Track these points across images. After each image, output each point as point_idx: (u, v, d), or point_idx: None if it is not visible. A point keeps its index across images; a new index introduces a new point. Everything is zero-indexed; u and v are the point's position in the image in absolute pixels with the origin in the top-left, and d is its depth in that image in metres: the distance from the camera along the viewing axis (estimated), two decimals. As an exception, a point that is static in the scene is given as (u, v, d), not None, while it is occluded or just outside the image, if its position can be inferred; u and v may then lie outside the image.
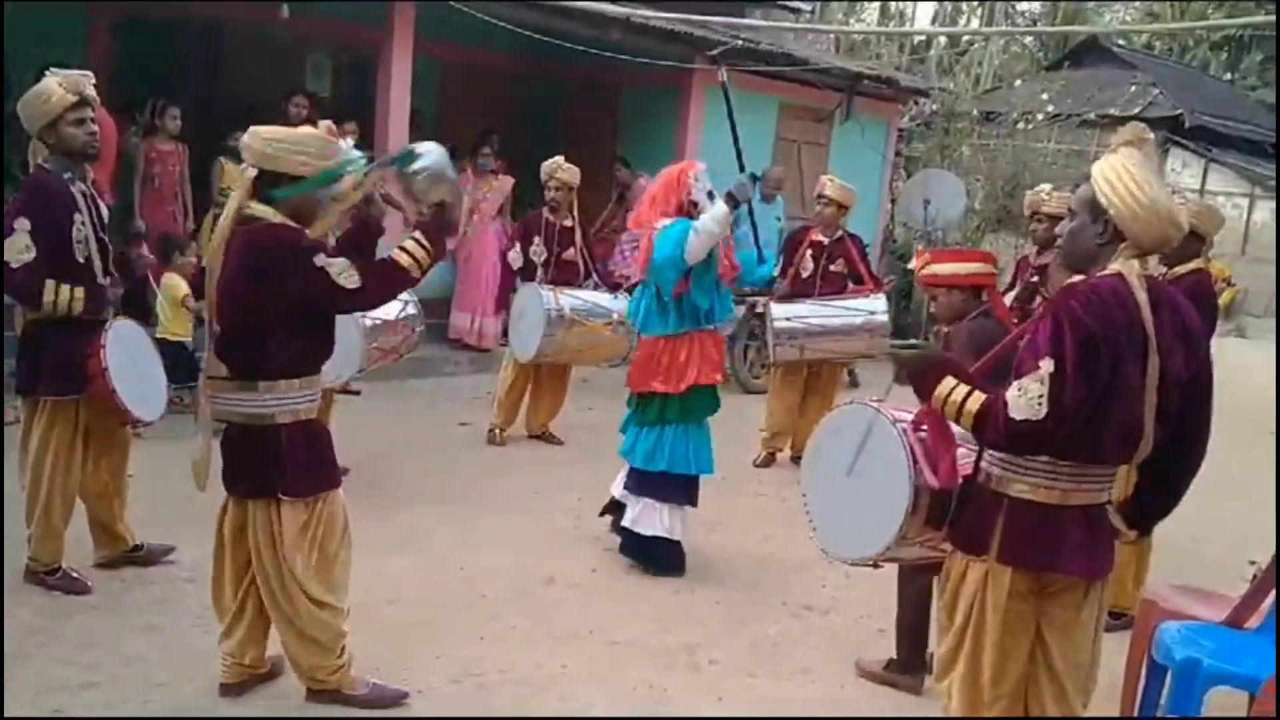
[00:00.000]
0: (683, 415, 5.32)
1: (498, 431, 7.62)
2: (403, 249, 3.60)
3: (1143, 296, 2.83)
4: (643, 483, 5.39)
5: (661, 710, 4.12)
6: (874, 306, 7.51)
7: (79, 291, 4.36)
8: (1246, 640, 3.78)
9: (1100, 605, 3.11)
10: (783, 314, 7.37)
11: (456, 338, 10.04)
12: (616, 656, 4.52)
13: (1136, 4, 32.52)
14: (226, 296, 3.46)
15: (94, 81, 4.45)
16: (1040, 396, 2.79)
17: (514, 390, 7.61)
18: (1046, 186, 6.46)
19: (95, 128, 4.44)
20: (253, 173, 3.48)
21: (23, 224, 4.22)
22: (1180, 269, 4.79)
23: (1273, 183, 21.56)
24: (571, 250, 7.54)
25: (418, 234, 3.63)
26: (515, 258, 7.54)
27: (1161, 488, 3.12)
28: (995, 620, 3.03)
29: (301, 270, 3.40)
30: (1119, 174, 2.87)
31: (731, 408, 8.32)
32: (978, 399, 2.95)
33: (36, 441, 4.48)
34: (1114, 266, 2.88)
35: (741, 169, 5.44)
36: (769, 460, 7.67)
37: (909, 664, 4.39)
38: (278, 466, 3.56)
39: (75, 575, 4.64)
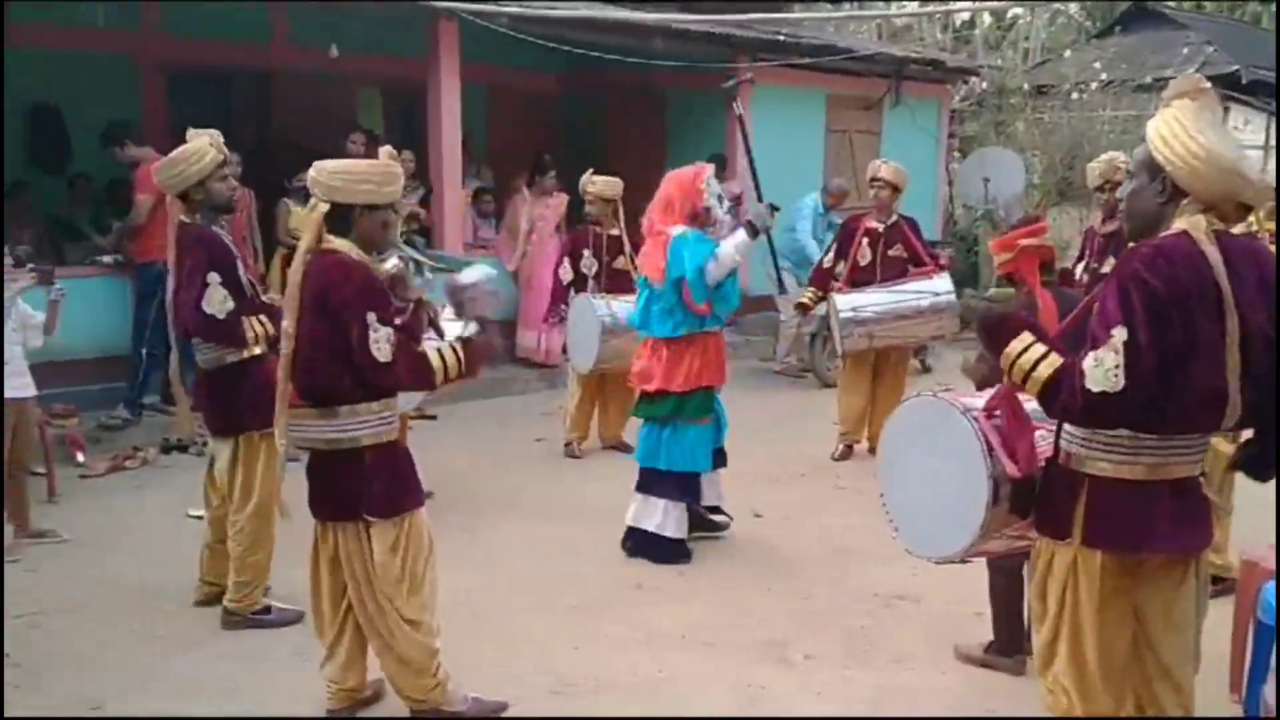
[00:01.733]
0: (682, 414, 5.50)
1: (574, 445, 7.67)
2: (440, 352, 3.66)
3: (1213, 252, 2.66)
4: (642, 479, 5.63)
5: (761, 709, 4.11)
6: (939, 287, 7.41)
7: (265, 320, 4.60)
8: (1355, 595, 3.68)
9: (1201, 581, 2.98)
10: (847, 304, 7.30)
11: (524, 356, 10.11)
12: (710, 657, 4.52)
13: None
14: (305, 326, 3.52)
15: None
16: (1117, 367, 2.63)
17: (584, 403, 7.66)
18: (1119, 154, 6.31)
19: (235, 182, 4.68)
20: (325, 208, 3.56)
21: (214, 278, 4.42)
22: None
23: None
24: (621, 259, 7.58)
25: (458, 345, 3.70)
26: (565, 272, 7.63)
27: (1266, 443, 2.90)
28: (1091, 606, 2.89)
29: (355, 316, 3.46)
30: (1172, 128, 2.74)
31: (809, 402, 8.35)
32: (1051, 364, 2.77)
33: (260, 477, 4.59)
34: (1178, 224, 2.73)
35: (759, 198, 5.44)
36: (847, 453, 7.61)
37: (1008, 646, 4.33)
38: (362, 489, 3.62)
39: (283, 606, 4.78)
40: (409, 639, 3.71)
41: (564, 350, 7.84)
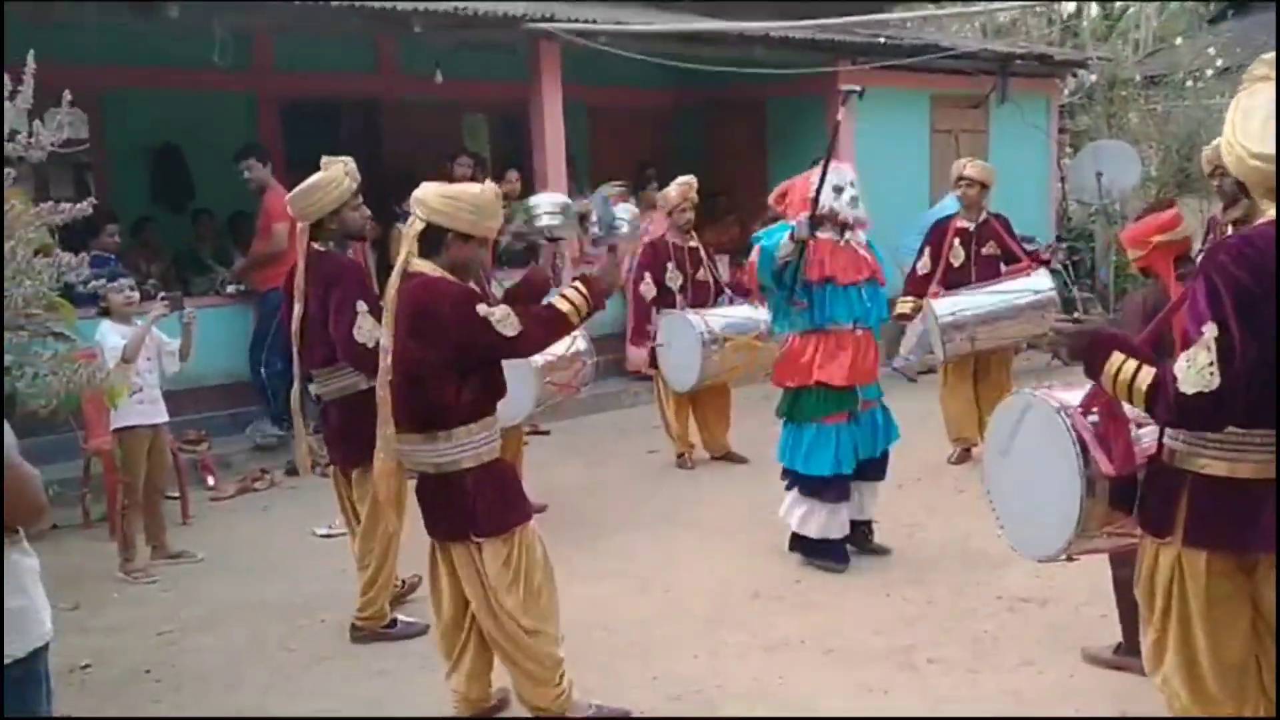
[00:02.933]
0: (799, 411, 5.48)
1: (686, 457, 7.67)
2: (563, 296, 3.74)
3: None
4: (783, 474, 5.61)
5: (887, 714, 4.06)
6: (1038, 285, 7.22)
7: None
8: None
9: None
10: (946, 309, 7.12)
11: (635, 369, 10.15)
12: (832, 663, 4.48)
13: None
14: (400, 351, 3.61)
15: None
16: (1210, 365, 2.53)
17: (680, 413, 7.66)
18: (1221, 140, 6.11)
19: (368, 210, 4.82)
20: (420, 226, 3.64)
21: (362, 306, 4.54)
22: None
23: None
24: (702, 270, 7.56)
25: (578, 283, 3.76)
26: (647, 288, 7.49)
27: None
28: (1199, 605, 2.77)
29: (465, 320, 3.54)
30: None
31: (923, 404, 8.22)
32: (1148, 374, 2.70)
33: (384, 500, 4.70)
34: (1271, 213, 2.62)
35: (814, 209, 5.24)
36: (964, 456, 7.46)
37: (1137, 645, 4.20)
38: (469, 509, 3.68)
39: (408, 620, 4.91)
40: (531, 649, 3.76)
41: (651, 363, 7.66)
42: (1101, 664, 4.30)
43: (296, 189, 4.68)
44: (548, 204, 5.44)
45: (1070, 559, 3.47)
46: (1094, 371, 2.88)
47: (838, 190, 5.36)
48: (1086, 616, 4.74)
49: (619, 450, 8.22)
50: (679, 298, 7.47)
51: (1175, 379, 2.60)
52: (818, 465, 5.43)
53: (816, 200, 5.23)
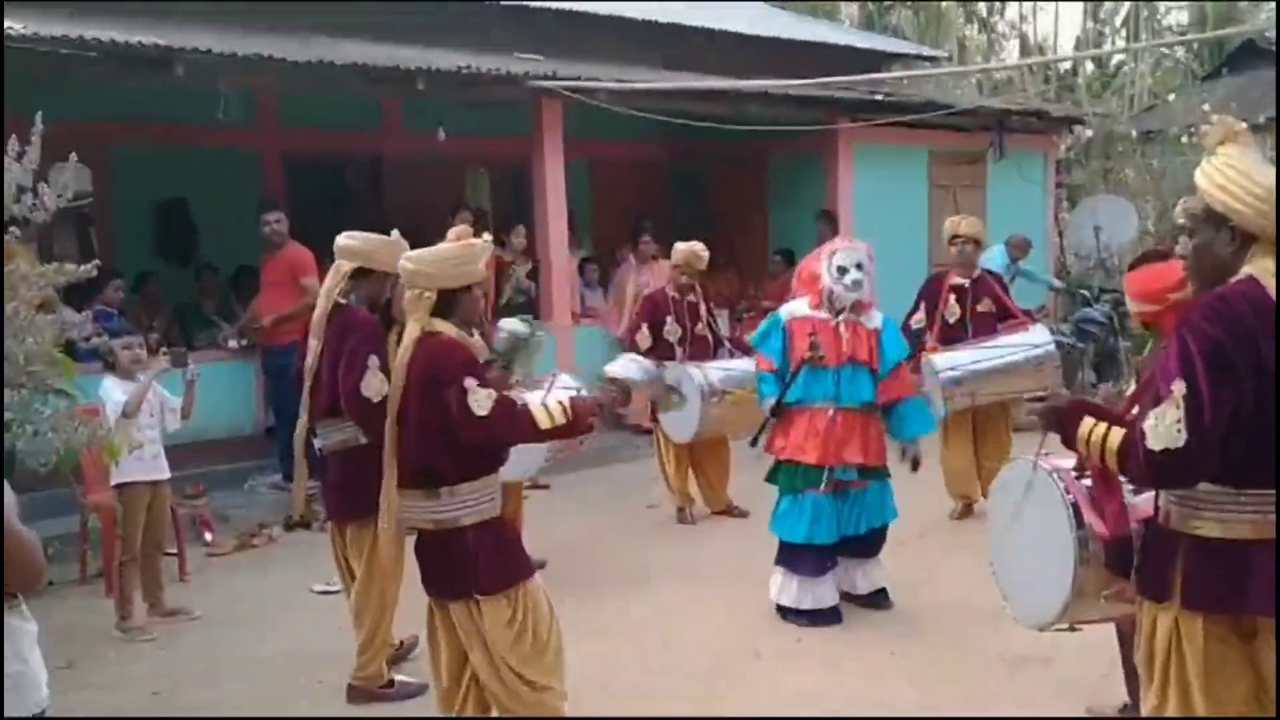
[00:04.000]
0: (777, 482, 5.63)
1: (687, 511, 7.65)
2: (545, 405, 3.72)
3: None
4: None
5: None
6: (1036, 340, 7.24)
7: None
8: None
9: None
10: (945, 364, 7.12)
11: (635, 422, 10.16)
12: (834, 724, 4.44)
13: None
14: (407, 408, 3.62)
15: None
16: (1178, 422, 2.54)
17: (679, 466, 7.65)
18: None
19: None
20: (432, 296, 3.66)
21: (373, 361, 4.51)
22: None
23: None
24: (700, 324, 7.59)
25: (566, 400, 3.75)
26: (644, 339, 7.52)
27: None
28: (1197, 669, 2.73)
29: (454, 382, 3.55)
30: (1227, 174, 2.66)
31: (932, 462, 8.21)
32: (1117, 434, 2.73)
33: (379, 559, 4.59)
34: (1245, 271, 2.64)
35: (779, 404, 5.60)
36: (966, 512, 7.44)
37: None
38: (469, 568, 3.66)
39: (405, 679, 4.87)
40: (536, 706, 3.72)
41: (652, 417, 7.76)
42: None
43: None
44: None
45: (1073, 628, 3.46)
46: (1069, 439, 2.90)
47: (841, 271, 5.46)
48: (1090, 675, 4.69)
49: (618, 505, 8.20)
50: (678, 350, 7.49)
51: (1144, 436, 2.62)
52: (789, 531, 5.50)
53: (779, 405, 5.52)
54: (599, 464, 9.16)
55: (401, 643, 5.10)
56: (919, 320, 7.46)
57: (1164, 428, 2.57)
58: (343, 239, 4.80)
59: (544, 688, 3.72)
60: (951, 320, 7.34)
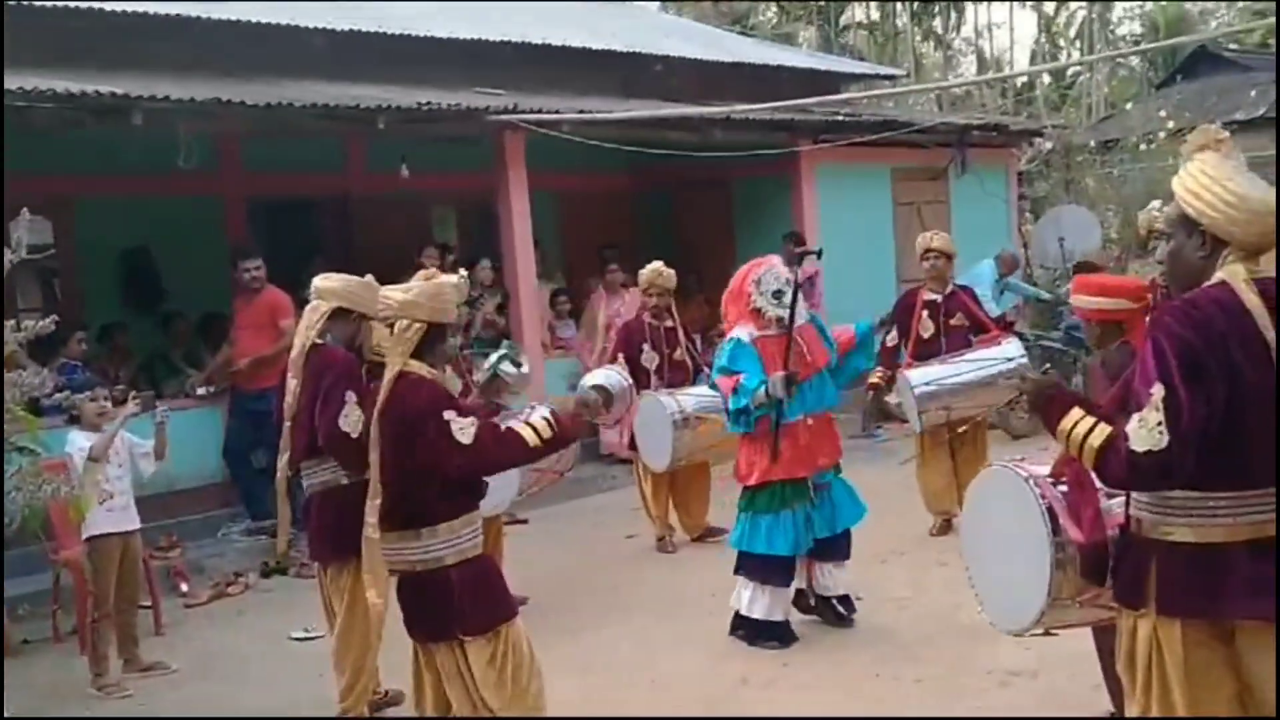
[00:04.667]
0: (754, 508, 5.55)
1: (667, 540, 7.61)
2: (530, 424, 3.72)
3: (1254, 300, 2.59)
4: (736, 561, 5.65)
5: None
6: (1009, 353, 7.25)
7: None
8: None
9: None
10: (920, 379, 7.14)
11: (609, 453, 10.13)
12: (825, 749, 4.41)
13: (1240, 3, 31.62)
14: (391, 450, 3.57)
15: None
16: (1159, 424, 2.56)
17: (658, 495, 7.62)
18: (1156, 203, 6.26)
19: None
20: (420, 328, 3.63)
21: (351, 397, 4.50)
22: None
23: None
24: (679, 350, 7.57)
25: (549, 415, 3.75)
26: (621, 368, 7.40)
27: None
28: (1178, 675, 2.73)
29: (434, 418, 3.52)
30: (1200, 180, 2.70)
31: (903, 476, 8.20)
32: (1102, 433, 2.72)
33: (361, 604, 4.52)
34: (1218, 275, 2.68)
35: (787, 378, 5.37)
36: (945, 528, 7.42)
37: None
38: (453, 608, 3.61)
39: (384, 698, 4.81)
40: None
41: (631, 446, 7.76)
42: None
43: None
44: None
45: (1049, 633, 3.48)
46: (1051, 423, 2.90)
47: (778, 296, 5.47)
48: (1079, 687, 4.67)
49: (598, 537, 8.15)
50: (654, 378, 7.46)
51: (1128, 438, 2.63)
52: (775, 545, 5.47)
53: (787, 357, 5.39)
54: (576, 496, 9.11)
55: (386, 693, 5.02)
56: (892, 338, 7.48)
57: (1147, 430, 2.59)
58: (321, 280, 4.84)
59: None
60: (926, 335, 7.36)
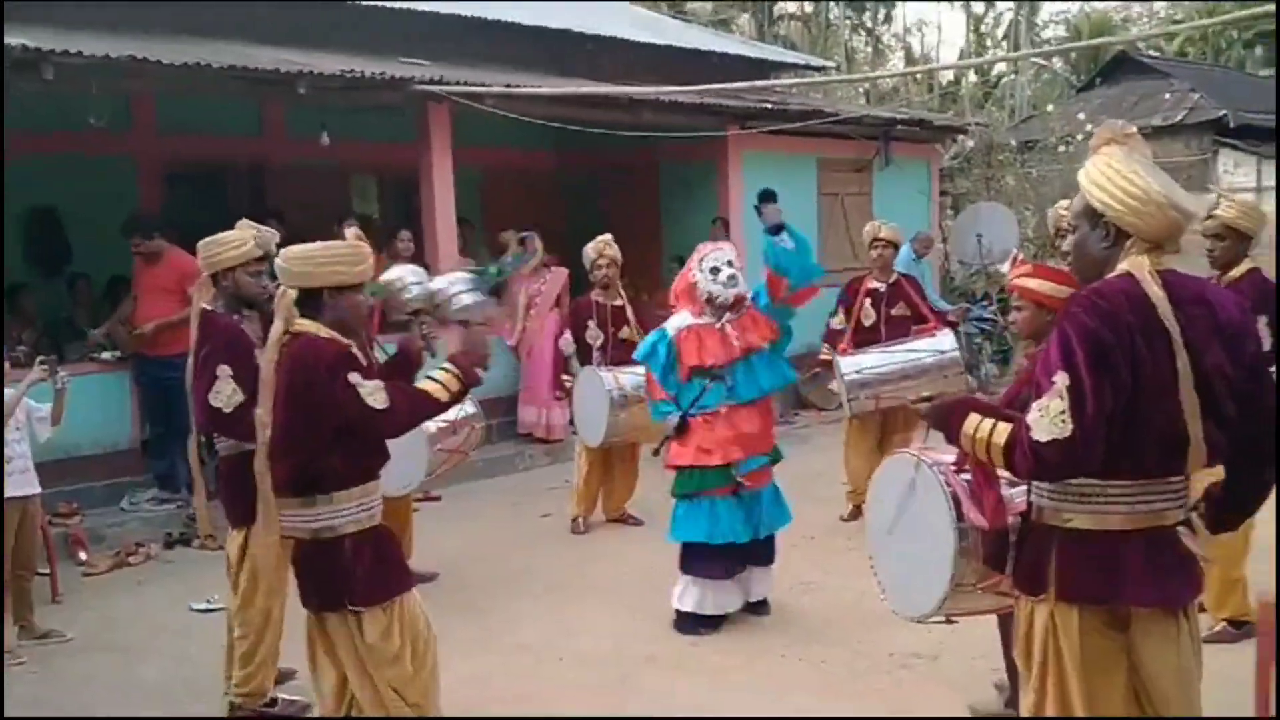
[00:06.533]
0: (675, 491, 5.60)
1: (580, 520, 7.61)
2: (431, 377, 3.70)
3: (1157, 292, 2.64)
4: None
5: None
6: (942, 344, 7.39)
7: None
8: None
9: (1194, 635, 2.86)
10: (851, 366, 7.24)
11: (526, 432, 10.09)
12: (727, 729, 4.45)
13: (1161, 7, 32.43)
14: (283, 414, 3.50)
15: (278, 239, 4.67)
16: (1062, 413, 2.60)
17: (591, 477, 7.60)
18: (1065, 202, 6.39)
19: (269, 283, 4.66)
20: (293, 294, 3.57)
21: (224, 370, 4.40)
22: (1235, 272, 4.72)
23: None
24: (626, 329, 7.56)
25: (448, 364, 3.72)
26: (566, 344, 7.63)
27: (1237, 486, 2.87)
28: (1074, 662, 2.79)
29: (336, 386, 3.44)
30: (1104, 173, 2.74)
31: (815, 464, 8.29)
32: (1003, 430, 2.77)
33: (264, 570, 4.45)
34: (1122, 267, 2.72)
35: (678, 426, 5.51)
36: (855, 513, 7.52)
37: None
38: (347, 578, 3.56)
39: (290, 698, 4.71)
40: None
41: (571, 423, 7.77)
42: (992, 718, 4.33)
43: (208, 239, 4.62)
44: (414, 277, 5.36)
45: (950, 620, 3.52)
46: (953, 436, 2.94)
47: (714, 271, 5.48)
48: (979, 670, 4.77)
49: (512, 515, 8.11)
50: (598, 355, 7.44)
51: (1029, 428, 2.66)
52: (689, 531, 5.50)
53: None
54: (491, 474, 9.08)
55: (279, 672, 4.94)
56: (839, 321, 7.62)
57: (1049, 419, 2.62)
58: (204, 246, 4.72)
59: (418, 706, 3.64)
60: (867, 323, 7.48)
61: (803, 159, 12.56)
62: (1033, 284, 4.09)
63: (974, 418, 2.87)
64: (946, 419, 2.96)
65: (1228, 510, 2.91)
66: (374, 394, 3.47)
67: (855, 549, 6.70)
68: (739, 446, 5.46)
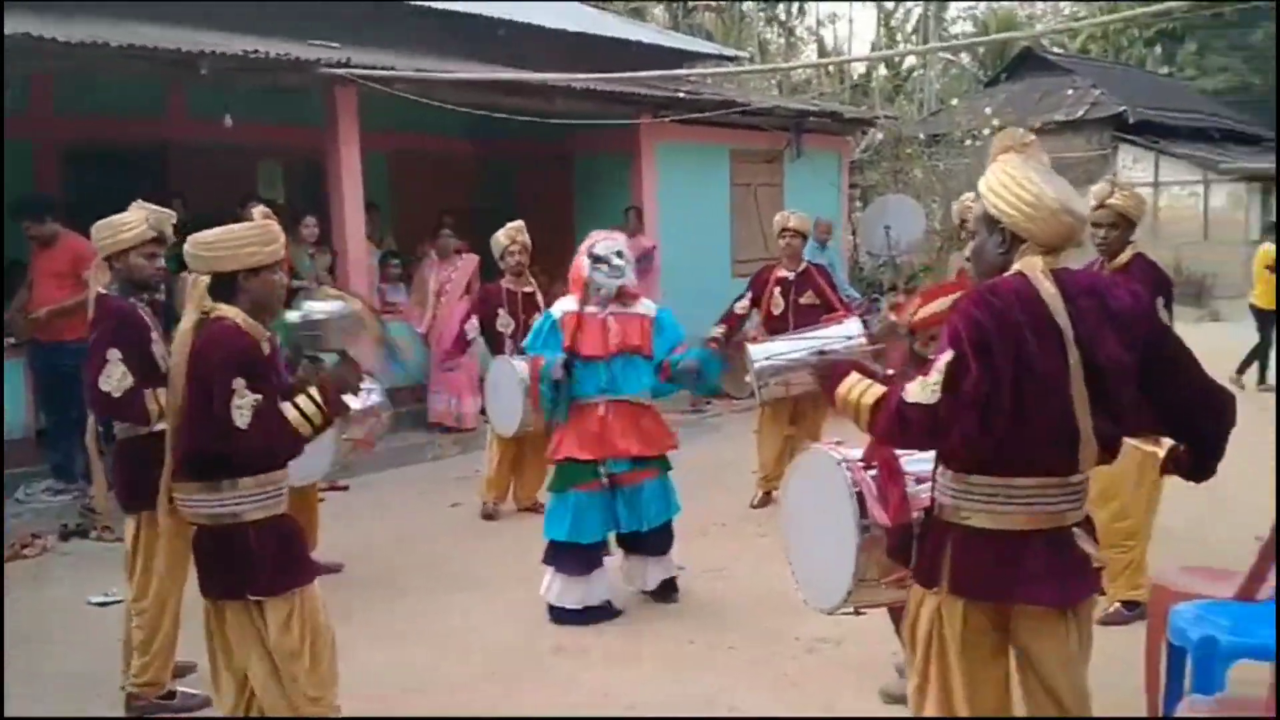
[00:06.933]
0: (556, 485, 5.55)
1: (490, 504, 7.56)
2: (295, 404, 3.49)
3: (1049, 289, 2.72)
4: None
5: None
6: (849, 331, 7.45)
7: None
8: (1259, 611, 3.74)
9: (1085, 633, 2.93)
10: (761, 354, 7.29)
11: (437, 421, 10.00)
12: (638, 715, 4.45)
13: (1065, 5, 33.20)
14: (188, 397, 3.42)
15: (174, 222, 4.58)
16: (936, 384, 2.70)
17: (502, 465, 7.55)
18: (969, 195, 6.51)
19: (163, 264, 4.61)
20: (205, 280, 3.49)
21: (114, 354, 4.30)
22: (1122, 258, 4.88)
23: (1225, 165, 21.85)
24: (537, 315, 7.51)
25: (313, 391, 3.54)
26: (471, 328, 7.53)
27: (1200, 445, 2.98)
28: (955, 652, 2.88)
29: (221, 381, 3.34)
30: (1001, 181, 2.81)
31: (726, 452, 8.35)
32: (876, 391, 2.88)
33: (160, 557, 4.37)
34: (1015, 266, 2.79)
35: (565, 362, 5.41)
36: (766, 500, 7.61)
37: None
38: (250, 566, 3.48)
39: (189, 691, 4.59)
40: (313, 714, 3.57)
41: (483, 413, 7.73)
42: (899, 701, 4.40)
43: (101, 221, 4.52)
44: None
45: (858, 612, 3.60)
46: (831, 392, 3.02)
47: (598, 260, 5.45)
48: (883, 655, 4.83)
49: (420, 505, 8.03)
50: (510, 343, 7.37)
51: (904, 392, 2.76)
52: (554, 529, 5.48)
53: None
54: (400, 463, 8.99)
55: (179, 665, 4.83)
56: (743, 307, 7.68)
57: (921, 387, 2.73)
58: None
59: (317, 699, 3.58)
60: (776, 312, 7.60)
61: (715, 150, 12.64)
62: (926, 311, 4.18)
63: (854, 376, 2.97)
64: (830, 376, 3.04)
65: (1197, 473, 3.04)
66: (243, 409, 3.34)
67: (766, 535, 6.80)
68: (610, 443, 5.42)
